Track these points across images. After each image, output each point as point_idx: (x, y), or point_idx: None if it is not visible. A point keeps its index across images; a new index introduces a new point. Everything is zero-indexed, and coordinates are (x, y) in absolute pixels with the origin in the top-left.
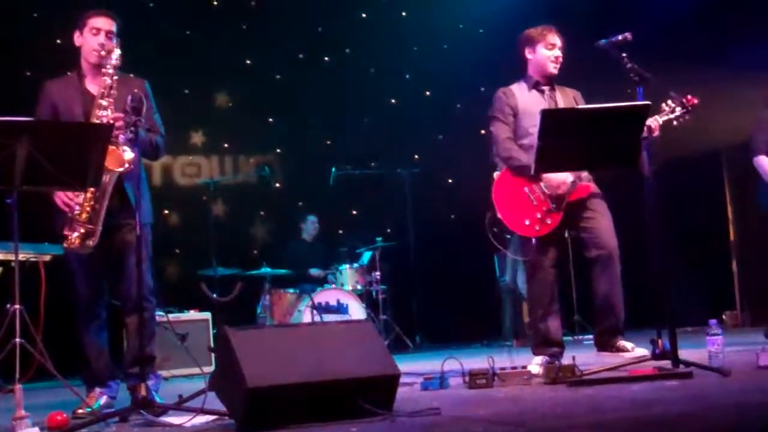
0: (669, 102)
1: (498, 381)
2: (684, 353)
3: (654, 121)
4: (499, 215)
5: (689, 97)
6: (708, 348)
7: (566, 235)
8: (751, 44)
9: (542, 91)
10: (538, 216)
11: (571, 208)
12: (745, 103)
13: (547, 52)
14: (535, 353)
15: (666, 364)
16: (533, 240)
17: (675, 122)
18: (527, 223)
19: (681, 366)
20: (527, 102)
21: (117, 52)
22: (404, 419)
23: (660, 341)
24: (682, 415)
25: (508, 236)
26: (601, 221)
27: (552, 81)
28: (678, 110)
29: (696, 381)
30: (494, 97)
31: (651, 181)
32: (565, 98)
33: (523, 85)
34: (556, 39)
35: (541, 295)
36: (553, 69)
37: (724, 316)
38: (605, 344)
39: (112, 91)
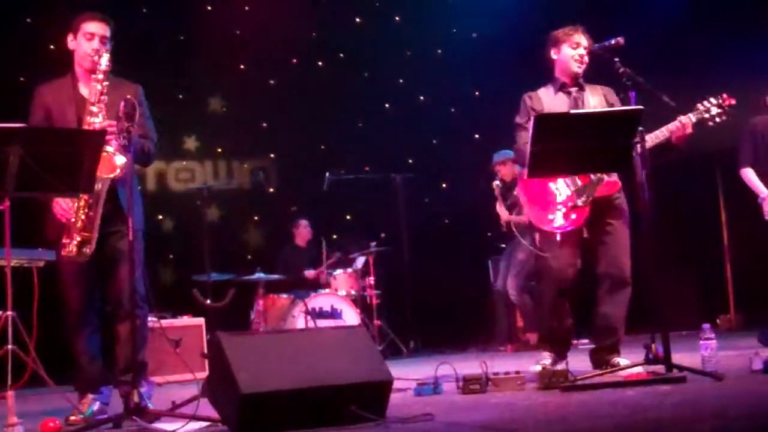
0: (704, 102)
1: (491, 386)
2: (677, 357)
3: (687, 119)
4: (524, 209)
5: (725, 96)
6: (701, 352)
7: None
8: (744, 47)
9: (569, 93)
10: (564, 210)
11: (597, 207)
12: (739, 106)
13: (571, 51)
14: (541, 348)
15: (659, 368)
16: (557, 235)
17: (710, 122)
18: (551, 217)
19: (674, 370)
20: (553, 105)
21: (106, 56)
22: (397, 425)
23: (653, 345)
24: (676, 420)
25: (503, 245)
26: (621, 243)
27: (579, 81)
28: (714, 110)
29: (689, 385)
30: (520, 102)
31: (645, 185)
32: (596, 97)
33: (550, 88)
34: (581, 39)
35: (552, 294)
36: (576, 68)
37: (717, 320)
38: (600, 361)
39: (102, 97)
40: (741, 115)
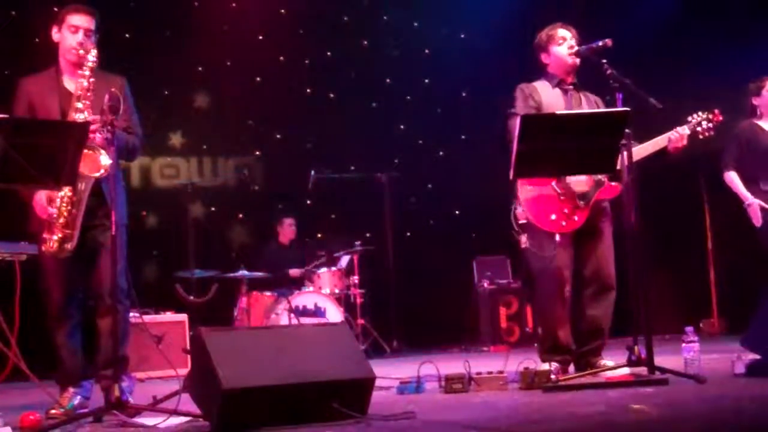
0: (695, 115)
1: (474, 386)
2: (660, 360)
3: (683, 130)
4: (524, 209)
5: (716, 112)
6: (684, 355)
7: None
8: (736, 49)
9: (566, 90)
10: (565, 211)
11: (596, 209)
12: (731, 108)
13: (560, 47)
14: (543, 360)
15: (642, 370)
16: (557, 236)
17: (700, 136)
18: (553, 217)
19: (657, 373)
20: (551, 98)
21: (94, 52)
22: (378, 423)
23: (636, 348)
24: (657, 422)
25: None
26: (607, 246)
27: (575, 81)
28: (704, 124)
29: (672, 388)
30: (514, 93)
31: (629, 189)
32: (587, 101)
33: (546, 83)
34: (564, 32)
35: (552, 297)
36: (571, 60)
37: (700, 324)
38: (586, 364)
39: (88, 94)
40: (733, 117)
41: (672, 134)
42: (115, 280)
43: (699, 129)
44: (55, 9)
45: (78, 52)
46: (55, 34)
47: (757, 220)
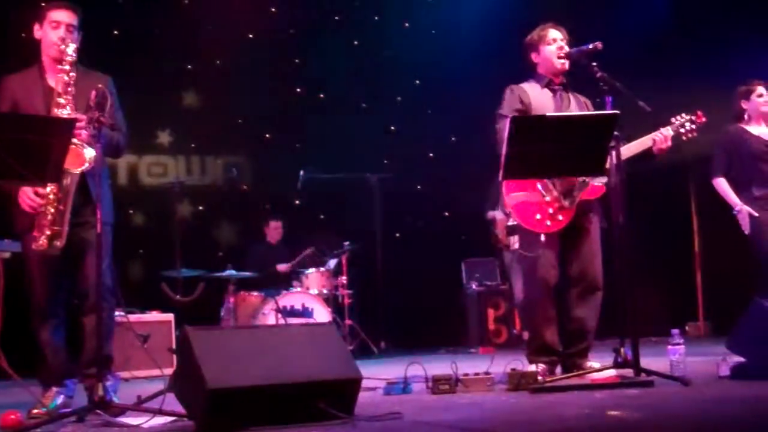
0: (678, 117)
1: (461, 387)
2: (646, 362)
3: (667, 131)
4: (509, 209)
5: (699, 113)
6: (670, 357)
7: None
8: (727, 52)
9: (554, 91)
10: (550, 211)
11: (581, 209)
12: (721, 113)
13: (550, 48)
14: (530, 361)
15: (628, 372)
16: (542, 236)
17: (683, 137)
18: (538, 217)
19: (643, 375)
20: (539, 99)
21: (72, 46)
22: (365, 423)
23: (623, 350)
24: (642, 423)
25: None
26: (594, 247)
27: (564, 82)
28: (687, 125)
29: (657, 390)
30: (503, 94)
31: (617, 192)
32: (577, 102)
33: (535, 84)
34: (555, 33)
35: (540, 297)
36: (559, 64)
37: (686, 327)
38: (572, 366)
39: (69, 89)
40: (723, 122)
41: (656, 135)
42: (100, 278)
43: (682, 130)
44: (43, 4)
45: (59, 47)
46: (37, 32)
47: (746, 228)
